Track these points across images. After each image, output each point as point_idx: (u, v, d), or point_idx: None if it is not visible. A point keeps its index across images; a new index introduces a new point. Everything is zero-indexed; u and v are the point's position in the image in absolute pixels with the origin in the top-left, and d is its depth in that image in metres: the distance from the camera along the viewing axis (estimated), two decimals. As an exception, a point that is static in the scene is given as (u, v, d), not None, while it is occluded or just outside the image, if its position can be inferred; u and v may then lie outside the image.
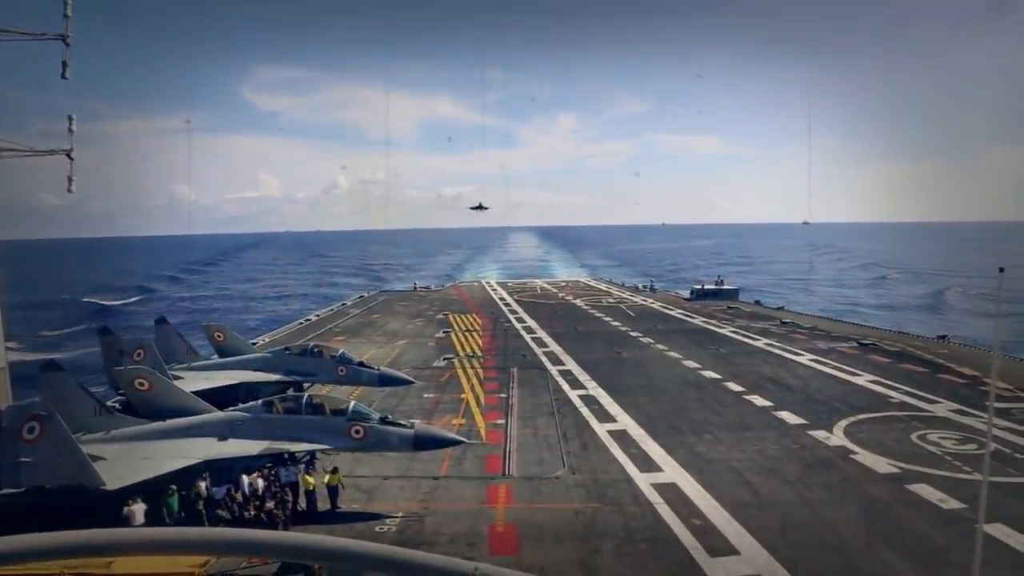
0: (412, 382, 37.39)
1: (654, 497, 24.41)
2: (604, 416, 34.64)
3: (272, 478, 23.87)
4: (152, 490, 21.54)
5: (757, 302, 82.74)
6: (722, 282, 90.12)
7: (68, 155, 29.36)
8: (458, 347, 54.07)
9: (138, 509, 20.74)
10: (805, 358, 47.87)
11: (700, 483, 25.53)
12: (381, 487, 25.82)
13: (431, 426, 28.79)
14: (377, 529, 22.33)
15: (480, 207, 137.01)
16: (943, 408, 34.50)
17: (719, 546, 20.64)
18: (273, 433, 24.77)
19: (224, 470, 23.69)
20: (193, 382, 32.18)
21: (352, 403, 26.18)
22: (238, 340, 40.83)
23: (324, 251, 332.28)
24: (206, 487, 22.66)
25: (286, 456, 24.57)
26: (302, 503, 23.95)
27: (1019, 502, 23.14)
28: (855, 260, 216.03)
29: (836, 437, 30.65)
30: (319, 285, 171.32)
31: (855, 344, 52.36)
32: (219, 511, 22.17)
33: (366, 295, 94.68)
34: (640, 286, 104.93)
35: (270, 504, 22.78)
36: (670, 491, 24.91)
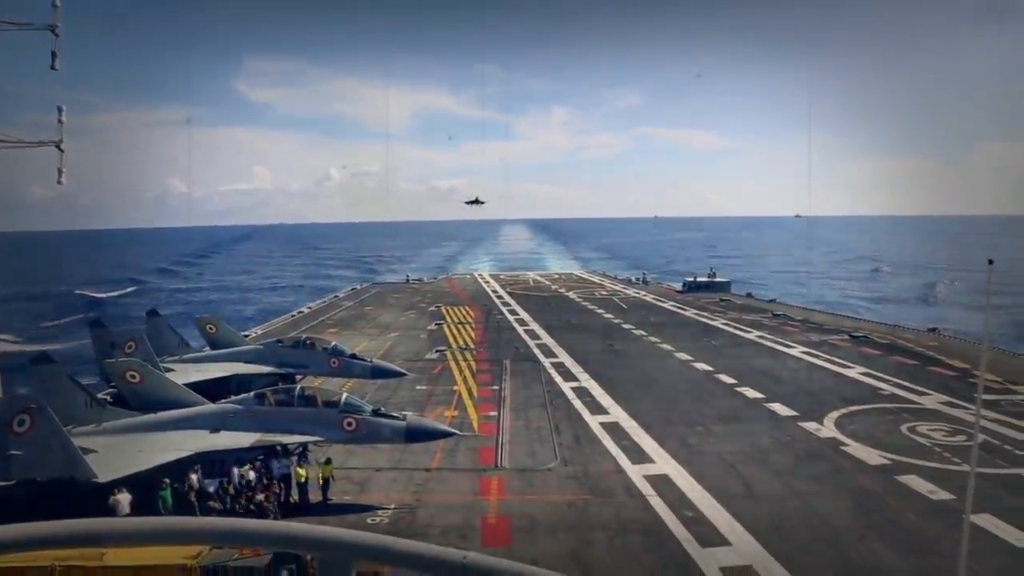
0: (405, 374, 37.38)
1: (646, 489, 24.50)
2: (596, 408, 34.72)
3: (262, 470, 23.87)
4: (144, 482, 21.52)
5: (749, 295, 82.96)
6: (714, 275, 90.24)
7: (58, 147, 29.09)
8: (451, 339, 54.07)
9: (123, 499, 20.69)
10: (797, 350, 48.07)
11: (692, 475, 25.63)
12: (373, 479, 25.85)
13: (423, 418, 28.81)
14: (369, 521, 22.36)
15: (476, 202, 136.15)
16: (933, 400, 34.71)
17: (711, 537, 20.74)
18: (265, 425, 24.75)
19: (216, 462, 23.68)
20: (185, 374, 32.10)
21: (344, 395, 26.20)
22: (230, 332, 40.75)
23: (317, 243, 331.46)
24: (198, 479, 22.65)
25: (278, 448, 24.58)
26: (294, 495, 23.95)
27: (1007, 493, 23.34)
28: (847, 253, 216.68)
29: (827, 429, 30.81)
30: (311, 277, 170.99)
31: (846, 336, 52.60)
32: (211, 503, 22.16)
33: (359, 287, 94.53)
34: (633, 279, 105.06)
35: (260, 496, 22.78)
36: (662, 483, 25.00)
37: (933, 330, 55.53)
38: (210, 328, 39.66)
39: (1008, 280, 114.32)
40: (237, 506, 22.35)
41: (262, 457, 24.24)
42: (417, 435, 25.13)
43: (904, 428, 30.57)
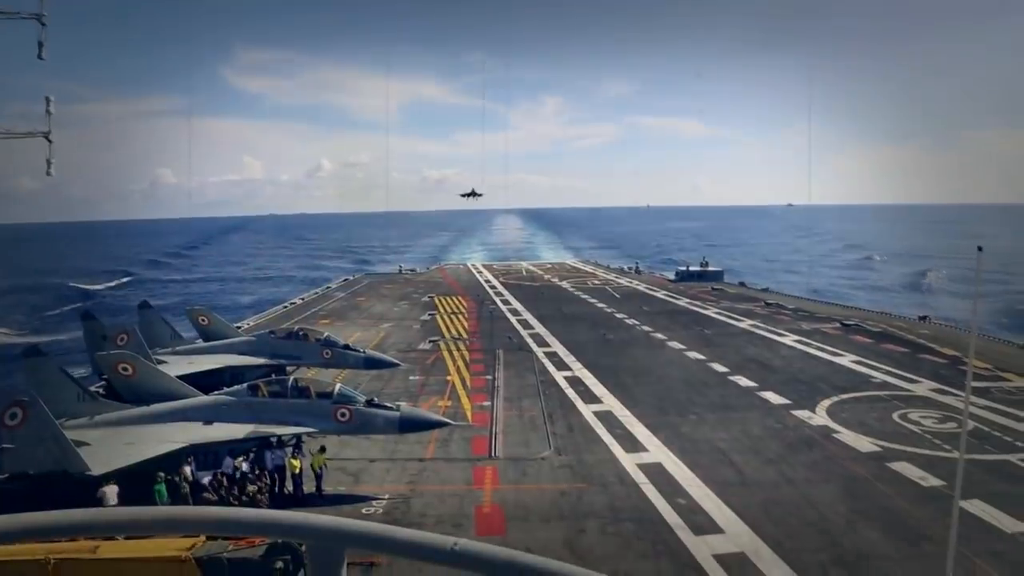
0: (398, 365, 37.38)
1: (639, 477, 24.62)
2: (589, 397, 34.83)
3: (256, 462, 23.86)
4: (138, 476, 21.49)
5: (741, 283, 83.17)
6: (707, 264, 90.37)
7: (46, 137, 28.94)
8: (444, 329, 54.06)
9: (110, 491, 20.66)
10: (789, 339, 48.27)
11: (685, 463, 25.76)
12: (367, 469, 25.88)
13: (417, 408, 28.86)
14: (364, 511, 22.41)
15: (473, 194, 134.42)
16: (924, 388, 34.95)
17: (703, 524, 20.88)
18: (259, 416, 24.74)
19: (209, 454, 23.66)
20: (177, 366, 32.02)
21: (338, 386, 26.17)
22: (222, 324, 40.64)
23: (308, 234, 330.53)
24: (191, 471, 22.64)
25: (272, 440, 24.57)
26: (288, 486, 23.98)
27: (997, 479, 23.58)
28: (839, 242, 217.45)
29: (819, 417, 30.99)
30: (303, 268, 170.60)
31: (838, 325, 52.84)
32: (205, 494, 22.16)
33: (351, 278, 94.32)
34: (625, 268, 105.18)
35: (252, 488, 22.80)
36: (655, 471, 25.13)
37: (924, 318, 55.86)
38: (202, 320, 39.55)
39: (996, 267, 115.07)
40: (231, 497, 22.35)
41: (255, 449, 24.24)
42: (411, 425, 25.16)
43: (895, 415, 30.78)
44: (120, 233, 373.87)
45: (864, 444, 27.40)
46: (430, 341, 49.28)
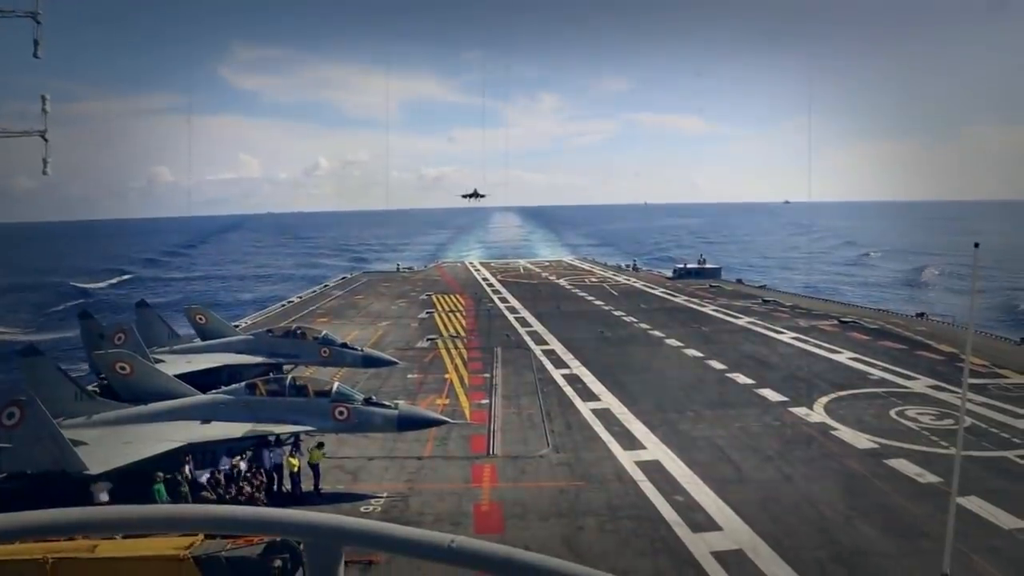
0: (396, 363, 37.37)
1: (637, 475, 24.64)
2: (587, 395, 34.84)
3: (253, 460, 23.86)
4: (136, 475, 21.47)
5: (739, 281, 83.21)
6: (704, 261, 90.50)
7: (43, 136, 28.87)
8: (441, 328, 54.06)
9: (101, 488, 20.64)
10: (786, 336, 48.30)
11: (683, 460, 25.79)
12: (366, 468, 25.89)
13: (415, 406, 28.85)
14: (362, 509, 22.42)
15: (475, 195, 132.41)
16: (921, 384, 34.99)
17: (701, 522, 20.91)
18: (257, 415, 24.72)
19: (207, 453, 23.65)
20: (175, 365, 32.00)
21: (336, 384, 26.16)
22: (220, 323, 40.59)
23: (306, 232, 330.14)
24: (189, 470, 22.63)
25: (270, 438, 24.56)
26: (287, 485, 23.98)
27: (994, 475, 23.63)
28: (836, 238, 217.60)
29: (816, 414, 31.03)
30: (301, 266, 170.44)
31: (835, 322, 52.89)
32: (204, 493, 22.15)
33: (349, 276, 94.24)
34: (623, 265, 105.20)
35: (248, 488, 22.80)
36: (653, 468, 25.15)
37: (921, 315, 55.92)
38: (200, 318, 39.50)
39: (994, 264, 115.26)
40: (228, 496, 22.35)
41: (253, 448, 24.23)
42: (409, 423, 25.16)
43: (893, 412, 30.82)
44: (118, 232, 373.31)
45: (862, 441, 27.44)
46: (428, 339, 49.27)
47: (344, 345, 36.25)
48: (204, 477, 22.71)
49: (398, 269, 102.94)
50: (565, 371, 39.75)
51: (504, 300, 68.96)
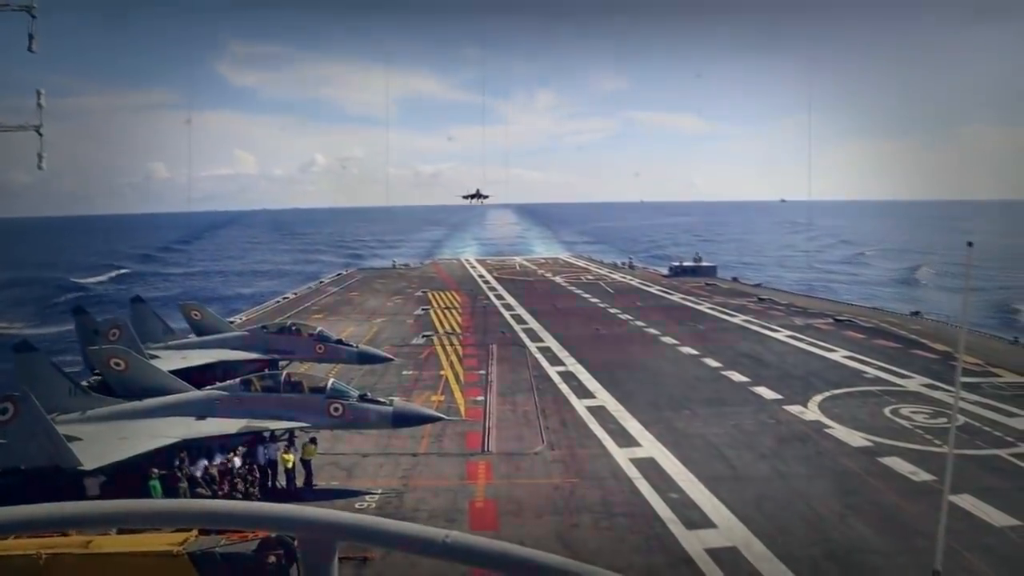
0: (391, 359, 37.35)
1: (632, 472, 24.69)
2: (583, 392, 34.87)
3: (248, 457, 23.85)
4: (131, 470, 21.44)
5: (735, 279, 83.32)
6: (700, 259, 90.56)
7: (37, 131, 28.70)
8: (437, 324, 54.06)
9: (92, 483, 20.61)
10: (782, 334, 48.40)
11: (678, 458, 25.85)
12: (360, 464, 25.89)
13: (410, 403, 28.83)
14: (357, 506, 22.42)
15: (478, 196, 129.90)
16: (915, 383, 35.10)
17: (696, 519, 20.96)
18: (251, 411, 24.69)
19: (202, 449, 23.61)
20: (170, 361, 31.95)
21: (331, 381, 26.18)
22: (215, 319, 40.55)
23: (301, 229, 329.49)
24: (184, 466, 22.59)
25: (265, 435, 24.54)
26: (281, 481, 23.97)
27: (987, 474, 23.73)
28: (832, 238, 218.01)
29: (811, 412, 31.11)
30: (297, 262, 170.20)
31: (831, 320, 52.98)
32: (198, 489, 22.14)
33: (344, 273, 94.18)
34: (619, 263, 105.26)
35: (242, 485, 22.80)
36: (648, 466, 25.20)
37: (916, 313, 56.09)
38: (195, 314, 39.43)
39: (991, 264, 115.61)
40: (222, 492, 22.33)
41: (248, 444, 24.21)
42: (404, 420, 25.16)
43: (887, 411, 30.91)
44: (113, 228, 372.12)
45: (856, 439, 27.52)
46: (423, 336, 49.26)
47: (339, 341, 36.23)
48: (198, 473, 22.68)
49: (394, 266, 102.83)
50: (560, 368, 39.78)
51: (500, 297, 68.96)
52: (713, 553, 18.94)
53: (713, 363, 40.36)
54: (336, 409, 24.48)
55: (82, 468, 20.68)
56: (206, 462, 23.06)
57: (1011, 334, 47.57)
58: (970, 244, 16.12)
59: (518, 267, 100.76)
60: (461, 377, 38.12)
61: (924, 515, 20.28)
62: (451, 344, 46.69)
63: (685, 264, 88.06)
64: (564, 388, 35.69)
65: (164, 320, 38.49)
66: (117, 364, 27.32)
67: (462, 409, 32.46)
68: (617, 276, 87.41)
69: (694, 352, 43.25)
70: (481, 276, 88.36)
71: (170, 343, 36.37)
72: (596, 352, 43.63)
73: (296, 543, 2.73)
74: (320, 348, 35.44)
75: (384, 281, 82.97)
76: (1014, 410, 30.29)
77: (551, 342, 46.75)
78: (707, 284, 76.73)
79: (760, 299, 64.59)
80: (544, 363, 41.05)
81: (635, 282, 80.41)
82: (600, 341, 47.49)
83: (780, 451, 26.69)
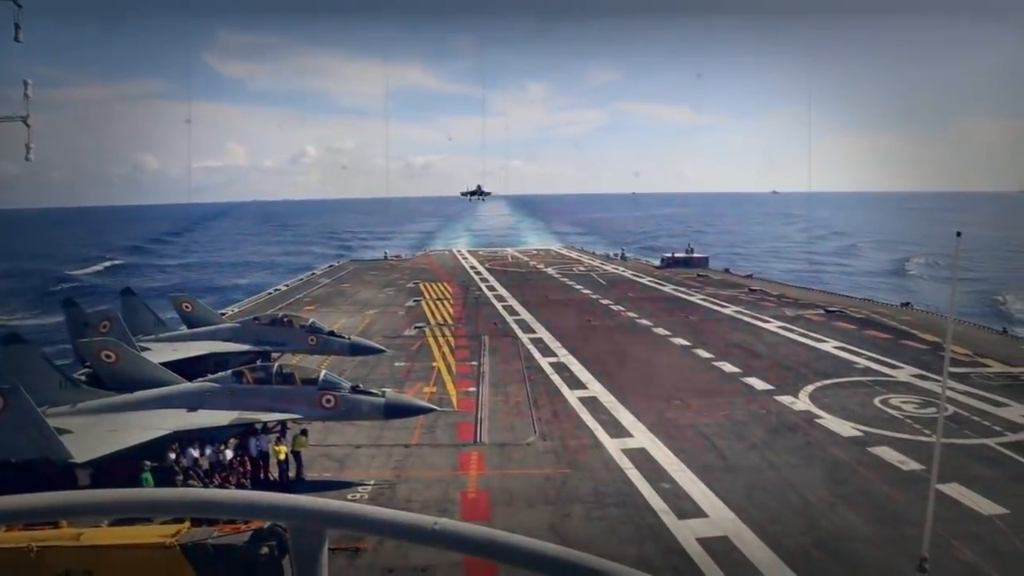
0: (383, 351, 37.33)
1: (624, 462, 24.77)
2: (575, 383, 34.95)
3: (239, 448, 23.83)
4: (122, 463, 21.38)
5: (726, 270, 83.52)
6: (692, 250, 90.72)
7: (24, 122, 28.44)
8: (429, 316, 54.02)
9: (83, 476, 20.56)
10: (773, 325, 48.58)
11: (669, 448, 25.94)
12: (353, 456, 25.90)
13: (402, 394, 28.84)
14: (349, 497, 22.40)
15: (479, 192, 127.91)
16: (905, 373, 35.32)
17: (687, 509, 21.06)
18: (243, 403, 24.64)
19: (194, 441, 23.57)
20: (161, 353, 31.83)
21: (323, 372, 26.11)
22: (206, 311, 40.41)
23: (292, 220, 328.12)
24: (176, 459, 22.56)
25: (257, 426, 24.51)
26: (274, 472, 23.96)
27: (975, 463, 23.92)
28: (824, 229, 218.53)
29: (802, 402, 31.27)
30: (288, 254, 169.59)
31: (822, 311, 53.21)
32: (190, 481, 22.12)
33: (336, 264, 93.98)
34: (611, 254, 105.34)
35: (233, 477, 22.78)
36: (639, 456, 25.29)
37: (906, 304, 56.38)
38: (186, 307, 39.28)
39: (984, 256, 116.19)
40: (213, 484, 22.32)
41: (239, 436, 24.17)
42: (396, 411, 25.16)
43: (877, 401, 31.10)
44: (102, 219, 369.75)
45: (846, 429, 27.69)
46: (415, 327, 49.23)
47: (331, 333, 36.18)
48: (189, 465, 22.64)
49: (386, 257, 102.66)
50: (552, 359, 39.84)
51: (492, 288, 68.96)
52: (704, 543, 19.04)
53: (705, 354, 40.50)
54: (328, 400, 24.47)
55: (73, 461, 20.61)
56: (197, 454, 23.03)
57: (1000, 324, 47.85)
58: (959, 234, 16.16)
59: (510, 258, 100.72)
60: (453, 368, 38.14)
61: (913, 504, 20.42)
62: (443, 335, 46.68)
63: (677, 255, 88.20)
64: (556, 379, 35.75)
65: (155, 312, 38.34)
66: (108, 356, 27.21)
67: (454, 400, 32.49)
68: (609, 267, 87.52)
69: (686, 343, 43.38)
70: (473, 267, 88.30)
71: (161, 335, 36.25)
72: (588, 343, 43.72)
73: (287, 533, 2.72)
74: (312, 340, 35.39)
75: (376, 273, 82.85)
76: (1002, 400, 30.55)
77: (543, 333, 46.80)
78: (699, 275, 76.88)
79: (751, 290, 64.80)
80: (536, 354, 41.09)
81: (627, 273, 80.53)
82: (592, 332, 47.56)
83: (771, 441, 26.83)
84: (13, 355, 25.20)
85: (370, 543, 17.95)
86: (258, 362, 31.57)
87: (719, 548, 18.79)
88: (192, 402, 24.80)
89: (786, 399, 31.70)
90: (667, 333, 46.36)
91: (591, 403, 31.66)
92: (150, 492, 2.82)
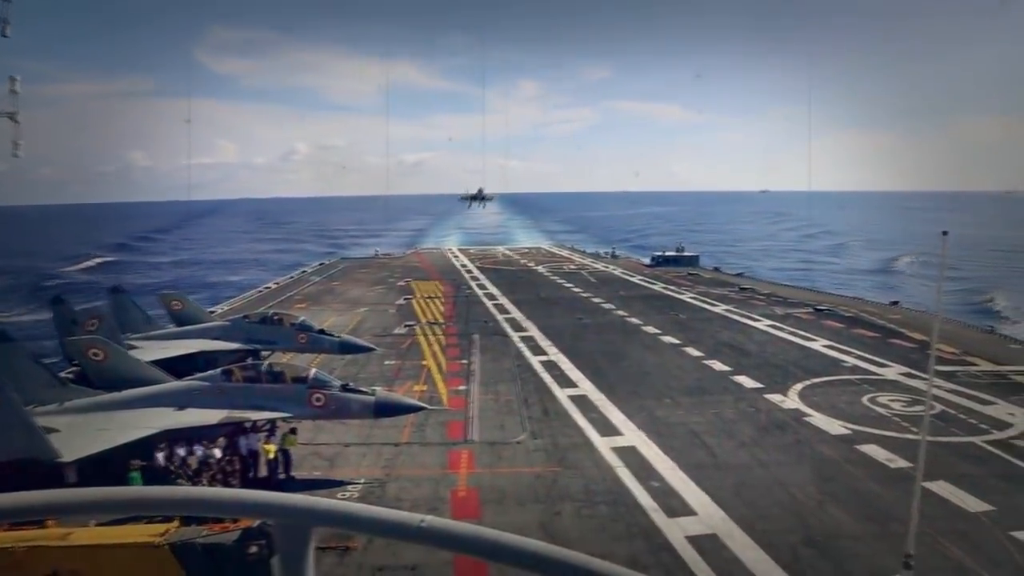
0: (373, 349, 37.30)
1: (614, 460, 24.83)
2: (565, 381, 34.99)
3: (228, 447, 23.75)
4: (110, 462, 21.28)
5: (716, 269, 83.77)
6: (682, 249, 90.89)
7: (12, 118, 28.29)
8: (419, 314, 53.95)
9: (71, 475, 20.46)
10: (762, 323, 48.75)
11: (659, 446, 26.02)
12: (343, 454, 25.86)
13: (392, 393, 28.83)
14: (339, 495, 22.37)
15: (479, 197, 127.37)
16: (893, 372, 35.52)
17: (677, 507, 21.14)
18: (233, 402, 24.55)
19: (183, 440, 23.47)
20: (150, 351, 31.68)
21: (313, 371, 26.07)
22: (196, 308, 40.27)
23: (283, 218, 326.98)
24: (164, 457, 22.47)
25: (247, 425, 24.44)
26: (263, 471, 23.89)
27: (961, 461, 24.10)
28: (813, 228, 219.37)
29: (791, 400, 31.41)
30: (278, 251, 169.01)
31: (811, 310, 53.43)
32: (179, 480, 22.03)
33: (326, 262, 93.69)
34: (601, 253, 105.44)
35: (222, 476, 22.72)
36: (629, 454, 25.35)
37: (895, 303, 56.73)
38: (175, 305, 39.12)
39: (979, 254, 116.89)
40: (202, 483, 22.24)
41: (229, 434, 24.09)
42: (386, 410, 25.14)
43: (865, 399, 31.28)
44: (92, 216, 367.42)
45: (835, 427, 27.83)
46: (406, 326, 49.16)
47: (321, 331, 36.12)
48: (178, 464, 22.55)
49: (376, 255, 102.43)
50: (543, 358, 39.87)
51: (482, 287, 68.93)
52: (694, 540, 19.12)
53: (694, 352, 40.62)
54: (318, 399, 24.42)
55: (61, 460, 20.50)
56: (186, 453, 22.93)
57: (987, 323, 48.19)
58: (945, 233, 16.26)
59: (501, 257, 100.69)
60: (444, 367, 38.11)
61: (900, 501, 20.52)
62: (433, 334, 46.64)
63: (668, 254, 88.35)
64: (546, 377, 35.78)
65: (144, 310, 38.16)
66: (96, 355, 27.06)
67: (444, 399, 32.47)
68: (599, 265, 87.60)
69: (676, 341, 43.49)
70: (464, 266, 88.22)
71: (150, 333, 36.08)
72: (578, 342, 43.76)
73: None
74: (302, 338, 35.31)
75: (366, 271, 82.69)
76: (989, 398, 30.77)
77: (534, 331, 46.83)
78: (689, 274, 77.07)
79: (742, 289, 65.00)
80: (527, 352, 41.12)
81: (617, 271, 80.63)
82: (582, 330, 47.61)
83: (760, 439, 26.94)
84: (0, 353, 25.01)
85: (360, 542, 17.93)
86: (248, 360, 31.44)
87: (708, 546, 18.86)
88: (181, 401, 24.70)
89: (775, 397, 31.83)
90: (657, 331, 46.46)
91: (581, 401, 31.71)
92: (138, 490, 2.81)
